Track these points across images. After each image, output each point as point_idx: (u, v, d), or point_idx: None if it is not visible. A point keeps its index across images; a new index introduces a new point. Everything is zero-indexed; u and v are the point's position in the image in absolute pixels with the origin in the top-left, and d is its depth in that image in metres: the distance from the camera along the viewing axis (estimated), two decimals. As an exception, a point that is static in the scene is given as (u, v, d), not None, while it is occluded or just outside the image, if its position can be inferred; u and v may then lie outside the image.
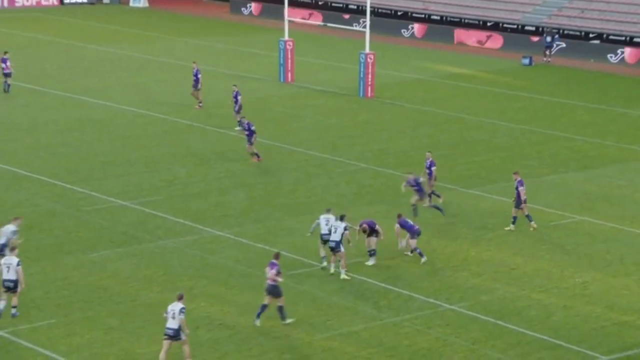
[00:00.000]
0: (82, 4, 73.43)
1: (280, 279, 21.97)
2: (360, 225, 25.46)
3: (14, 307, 22.15)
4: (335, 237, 24.51)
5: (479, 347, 21.47)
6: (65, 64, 51.70)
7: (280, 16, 51.32)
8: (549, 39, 56.34)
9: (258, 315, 21.99)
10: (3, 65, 44.34)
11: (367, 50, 45.59)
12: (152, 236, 27.33)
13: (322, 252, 25.20)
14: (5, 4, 70.51)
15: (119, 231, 27.66)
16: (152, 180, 32.42)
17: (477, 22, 61.63)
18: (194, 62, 42.90)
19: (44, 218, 28.58)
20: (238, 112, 38.65)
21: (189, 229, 27.96)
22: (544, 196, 31.81)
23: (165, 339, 19.98)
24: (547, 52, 55.98)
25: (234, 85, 39.69)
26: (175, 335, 19.94)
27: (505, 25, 60.53)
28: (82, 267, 25.26)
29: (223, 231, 27.81)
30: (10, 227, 24.04)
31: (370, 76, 45.62)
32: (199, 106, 42.06)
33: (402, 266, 25.86)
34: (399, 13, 64.77)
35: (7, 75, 44.13)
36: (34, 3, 71.31)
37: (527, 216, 28.45)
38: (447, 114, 43.04)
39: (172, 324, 19.99)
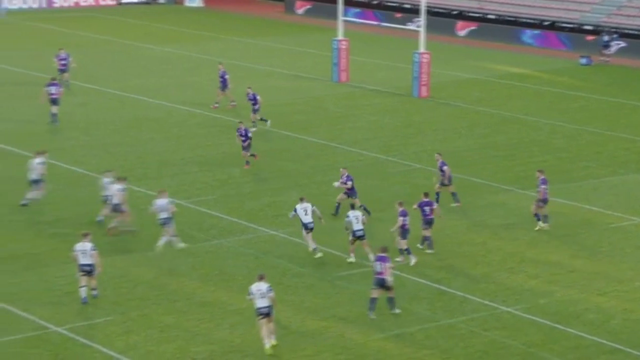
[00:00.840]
0: (137, 3, 74.31)
1: (390, 271, 22.49)
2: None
3: (94, 289, 23.17)
4: (360, 225, 25.13)
5: (535, 350, 21.28)
6: (121, 64, 52.37)
7: (333, 15, 51.37)
8: (606, 38, 55.54)
9: (371, 309, 22.42)
10: (60, 60, 45.14)
11: (422, 49, 45.44)
12: (206, 235, 27.57)
13: (312, 244, 25.77)
14: (44, 4, 71.36)
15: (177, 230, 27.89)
16: (206, 180, 32.69)
17: (534, 21, 61.01)
18: (220, 64, 43.01)
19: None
20: (255, 112, 38.29)
21: (243, 228, 28.14)
22: (603, 198, 31.40)
23: (260, 318, 20.75)
24: (605, 52, 55.20)
25: (249, 88, 39.32)
26: (269, 313, 20.73)
27: (563, 25, 59.85)
28: (139, 265, 25.59)
29: (277, 231, 27.94)
30: (164, 200, 26.10)
31: (424, 76, 45.48)
32: (215, 106, 42.01)
33: (457, 267, 25.75)
34: (454, 12, 64.42)
35: (62, 71, 44.89)
36: (72, 4, 72.15)
37: (539, 215, 28.17)
38: (503, 114, 42.70)
39: (263, 302, 20.75)
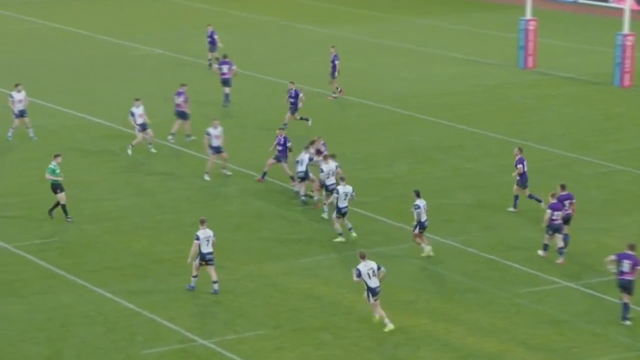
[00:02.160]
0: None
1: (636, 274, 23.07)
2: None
3: (215, 281, 24.64)
4: (426, 215, 26.52)
5: None
6: (276, 47, 53.54)
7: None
8: None
9: (624, 318, 23.14)
10: (208, 37, 46.97)
11: (626, 30, 44.48)
12: (367, 241, 28.01)
13: (339, 228, 27.76)
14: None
15: (331, 235, 28.54)
16: (368, 178, 33.11)
17: None
18: (333, 47, 43.07)
19: (252, 218, 29.96)
20: (294, 112, 37.84)
21: (409, 234, 28.41)
22: None
23: (375, 299, 22.99)
24: None
25: (291, 83, 38.27)
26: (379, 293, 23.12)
27: None
28: (292, 273, 26.31)
29: (447, 238, 28.11)
30: (333, 164, 29.42)
31: (628, 61, 44.52)
32: (333, 97, 42.19)
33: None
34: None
35: (210, 49, 46.69)
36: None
37: None
38: None
39: (375, 282, 22.95)
